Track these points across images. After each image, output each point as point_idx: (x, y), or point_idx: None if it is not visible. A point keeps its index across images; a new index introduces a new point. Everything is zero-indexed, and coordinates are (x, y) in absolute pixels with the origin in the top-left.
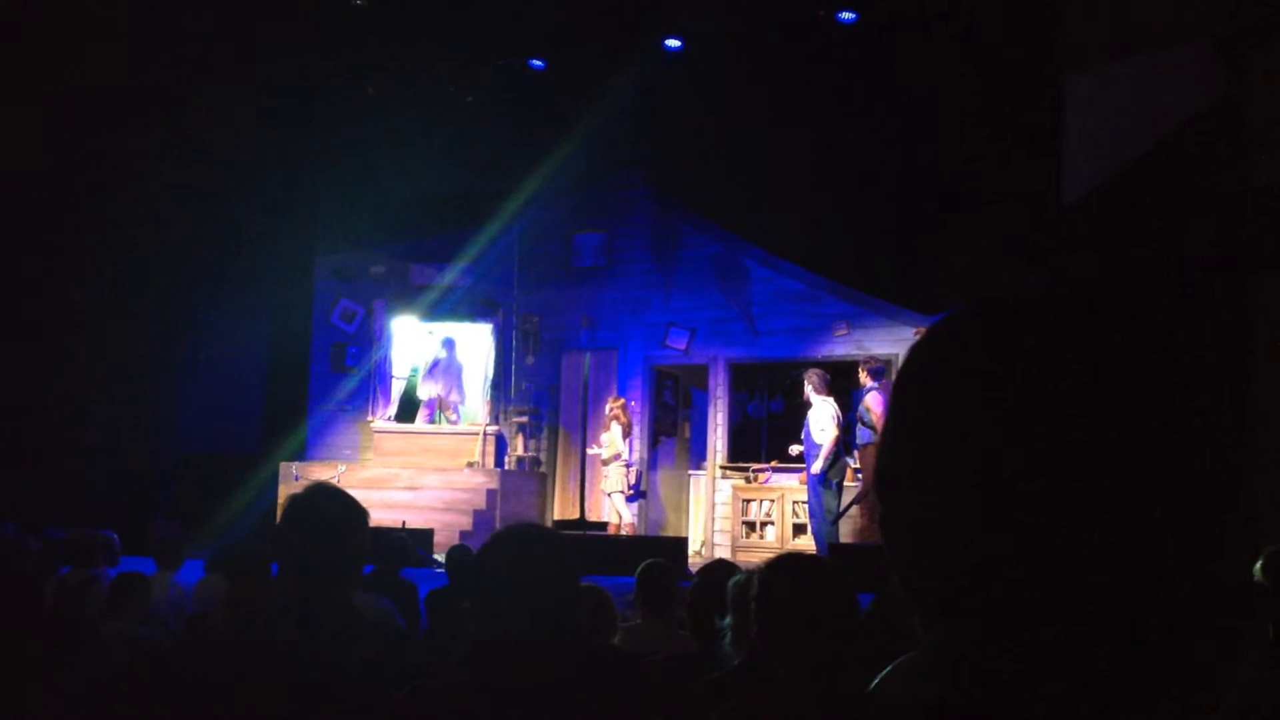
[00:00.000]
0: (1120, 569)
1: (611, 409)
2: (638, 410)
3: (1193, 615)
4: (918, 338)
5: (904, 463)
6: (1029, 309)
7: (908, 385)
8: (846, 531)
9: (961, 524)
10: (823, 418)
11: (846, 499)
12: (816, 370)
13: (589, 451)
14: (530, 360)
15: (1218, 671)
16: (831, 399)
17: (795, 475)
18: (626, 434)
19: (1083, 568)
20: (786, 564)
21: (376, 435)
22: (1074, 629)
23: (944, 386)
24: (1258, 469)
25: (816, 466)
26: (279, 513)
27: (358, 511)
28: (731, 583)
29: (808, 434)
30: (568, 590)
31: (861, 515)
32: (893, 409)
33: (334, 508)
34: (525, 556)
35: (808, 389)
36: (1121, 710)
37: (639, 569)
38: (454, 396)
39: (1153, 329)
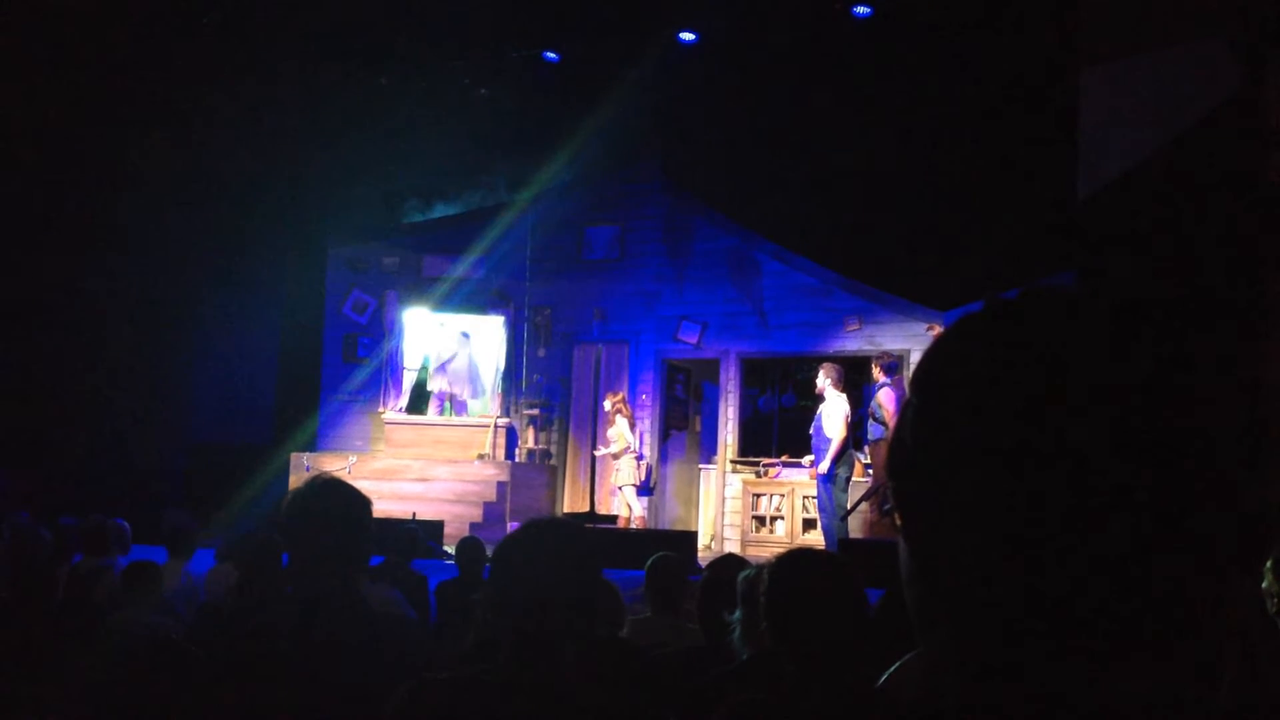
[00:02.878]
0: (1139, 569)
1: (613, 404)
2: (648, 404)
3: (1212, 620)
4: (935, 333)
5: (923, 462)
6: (1050, 307)
7: (929, 380)
8: (856, 527)
9: (979, 521)
10: (836, 413)
11: (856, 494)
12: (834, 365)
13: (596, 454)
14: (541, 353)
15: (1226, 680)
16: (845, 396)
17: (805, 470)
18: (632, 426)
19: (1102, 566)
20: (797, 559)
21: (388, 426)
22: (1088, 627)
23: (965, 383)
24: (1274, 469)
25: (824, 465)
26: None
27: (359, 501)
28: (741, 577)
29: (819, 427)
30: (589, 587)
31: (871, 510)
32: (913, 402)
33: (335, 499)
34: (551, 550)
35: (825, 383)
36: (1131, 712)
37: (649, 562)
38: (464, 393)
39: (1171, 327)
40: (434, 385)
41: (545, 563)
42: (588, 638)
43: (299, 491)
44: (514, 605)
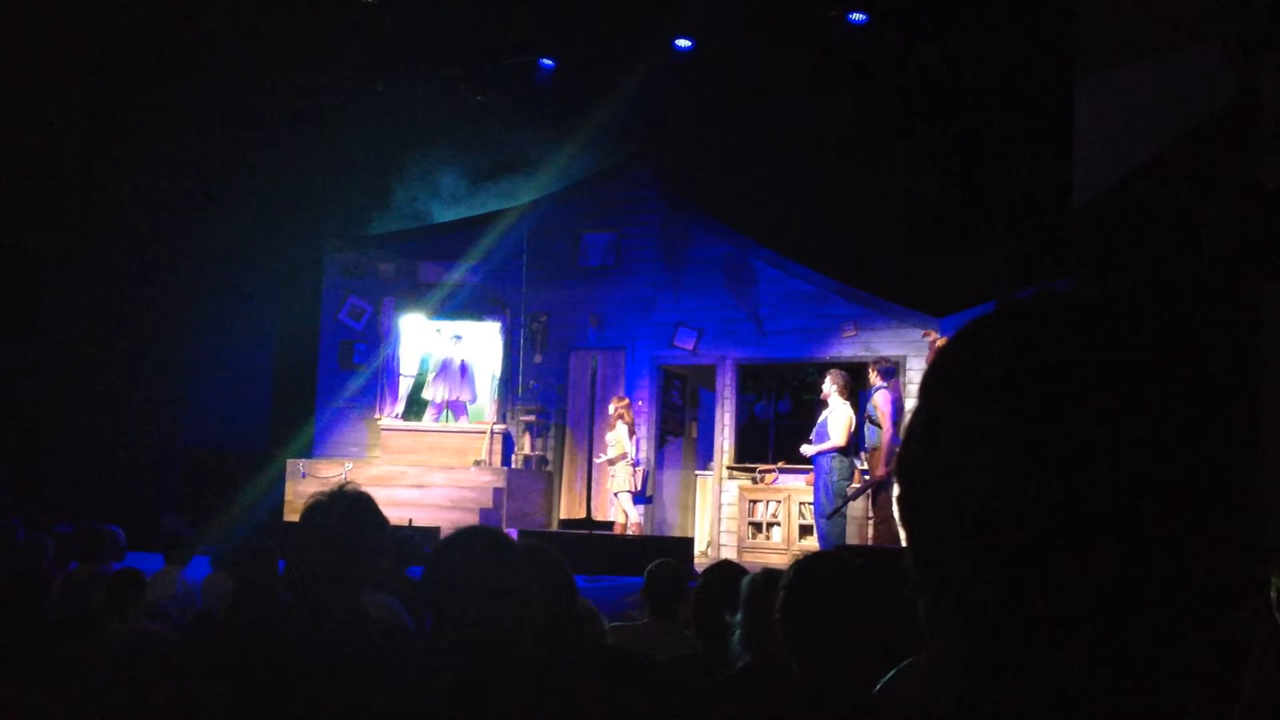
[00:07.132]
0: (1139, 574)
1: (616, 408)
2: (644, 410)
3: (1211, 624)
4: (931, 339)
5: (930, 467)
6: (1060, 311)
7: (936, 385)
8: (854, 533)
9: (986, 527)
10: (841, 419)
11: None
12: (841, 371)
13: (596, 460)
14: (538, 359)
15: (1232, 684)
16: (849, 403)
17: (802, 476)
18: (632, 434)
19: (1110, 572)
20: (819, 562)
21: (384, 433)
22: (1089, 633)
23: (972, 388)
24: (1271, 476)
25: (813, 449)
26: (284, 509)
27: (376, 520)
28: (745, 581)
29: (823, 434)
30: (520, 589)
31: (868, 512)
32: (921, 408)
33: (353, 514)
34: (469, 559)
35: (831, 389)
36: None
37: (648, 568)
38: (464, 396)
39: (1171, 334)
40: (430, 394)
41: (466, 570)
42: (562, 640)
43: (320, 499)
44: (448, 618)
